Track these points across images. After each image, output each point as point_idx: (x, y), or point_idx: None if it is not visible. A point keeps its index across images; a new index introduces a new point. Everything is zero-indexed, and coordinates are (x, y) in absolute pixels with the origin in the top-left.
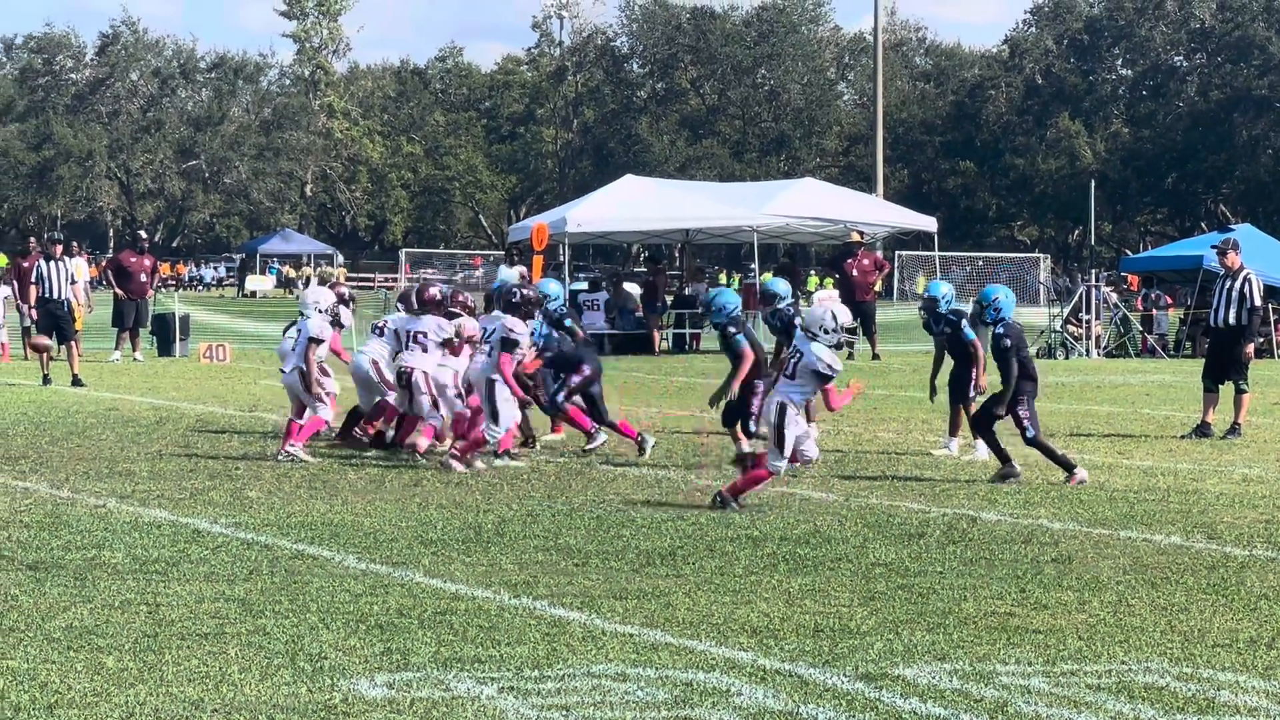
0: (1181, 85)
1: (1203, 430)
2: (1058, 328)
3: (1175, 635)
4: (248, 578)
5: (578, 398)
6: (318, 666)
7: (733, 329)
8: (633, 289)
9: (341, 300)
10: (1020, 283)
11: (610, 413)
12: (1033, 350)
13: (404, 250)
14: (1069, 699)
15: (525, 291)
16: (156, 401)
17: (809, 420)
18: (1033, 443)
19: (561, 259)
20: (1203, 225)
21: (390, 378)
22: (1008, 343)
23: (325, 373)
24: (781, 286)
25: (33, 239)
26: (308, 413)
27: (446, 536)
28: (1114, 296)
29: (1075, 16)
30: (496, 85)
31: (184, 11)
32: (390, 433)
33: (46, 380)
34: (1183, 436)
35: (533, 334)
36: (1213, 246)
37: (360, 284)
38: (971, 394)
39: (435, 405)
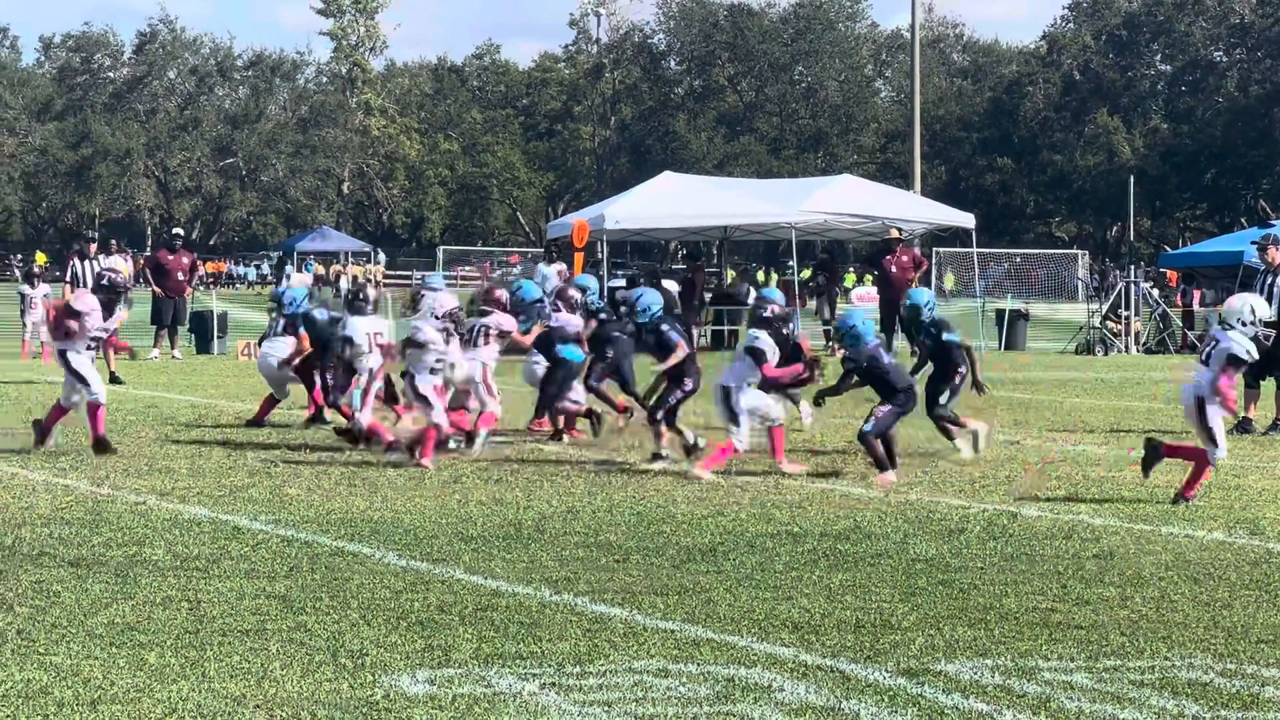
0: (1221, 80)
1: (1244, 426)
2: (1097, 324)
3: (1218, 631)
4: (288, 574)
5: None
6: (359, 663)
7: (665, 325)
8: (671, 286)
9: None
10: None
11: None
12: (1071, 346)
13: (442, 248)
14: (1112, 695)
15: (775, 308)
16: (195, 399)
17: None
18: (862, 437)
19: (600, 256)
20: (1242, 221)
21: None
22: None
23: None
24: (779, 296)
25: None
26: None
27: (487, 533)
28: (1154, 292)
29: (1114, 12)
30: (534, 83)
31: (221, 10)
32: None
33: (115, 379)
34: None
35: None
36: (1253, 242)
37: (398, 281)
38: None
39: (492, 394)
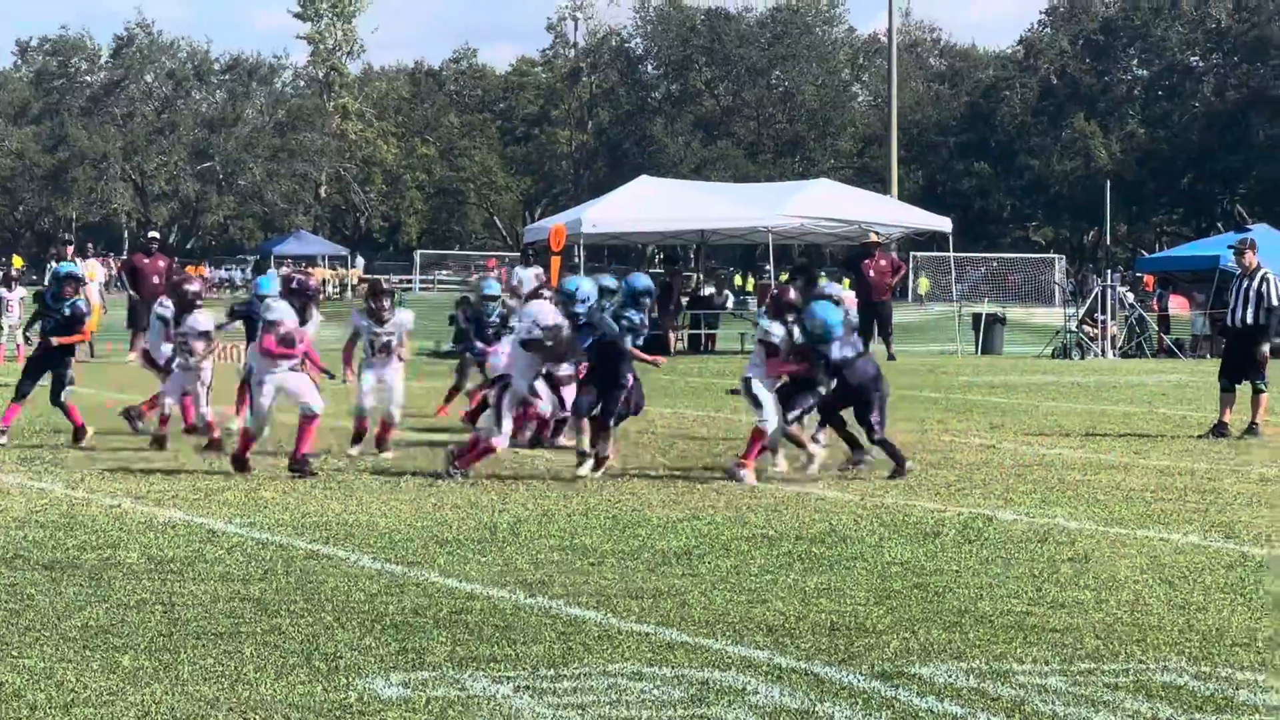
0: (1198, 85)
1: (1220, 430)
2: (1073, 328)
3: (1193, 634)
4: (263, 577)
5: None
6: (333, 666)
7: (600, 318)
8: None
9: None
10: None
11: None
12: (1047, 350)
13: (419, 251)
14: (1086, 698)
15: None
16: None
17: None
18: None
19: (577, 260)
20: (1219, 225)
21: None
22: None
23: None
24: (585, 285)
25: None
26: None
27: (461, 536)
28: (1130, 297)
29: (1091, 17)
30: (511, 87)
31: (198, 14)
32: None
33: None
34: (1200, 436)
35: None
36: (1230, 246)
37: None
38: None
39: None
